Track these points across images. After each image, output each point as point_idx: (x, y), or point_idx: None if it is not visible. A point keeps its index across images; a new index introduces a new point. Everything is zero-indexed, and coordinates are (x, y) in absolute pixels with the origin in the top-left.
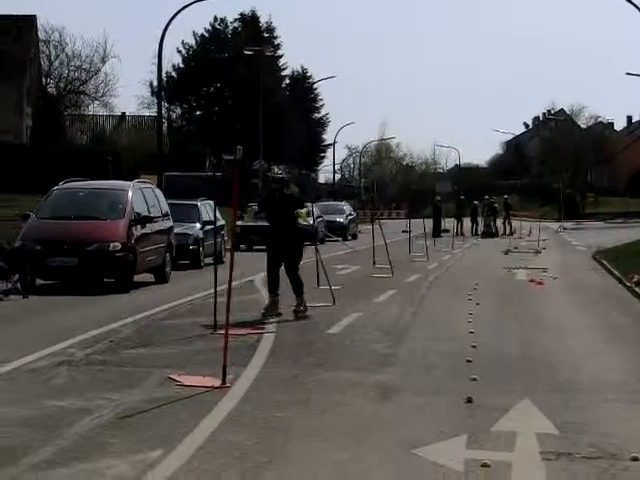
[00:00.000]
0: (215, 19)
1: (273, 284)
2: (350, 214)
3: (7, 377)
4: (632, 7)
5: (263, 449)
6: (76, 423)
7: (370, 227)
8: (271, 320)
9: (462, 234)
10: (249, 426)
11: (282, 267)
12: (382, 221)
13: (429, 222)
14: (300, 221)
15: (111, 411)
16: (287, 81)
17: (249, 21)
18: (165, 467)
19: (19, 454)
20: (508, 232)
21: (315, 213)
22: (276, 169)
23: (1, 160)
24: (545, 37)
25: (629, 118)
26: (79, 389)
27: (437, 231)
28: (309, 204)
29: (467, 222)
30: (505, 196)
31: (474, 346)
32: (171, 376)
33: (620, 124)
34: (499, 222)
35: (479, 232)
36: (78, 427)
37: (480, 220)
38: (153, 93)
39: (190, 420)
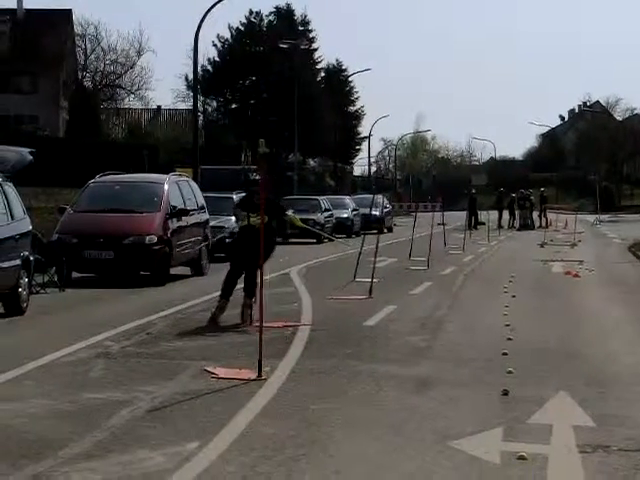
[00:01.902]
0: (250, 12)
1: (229, 288)
2: (386, 207)
3: (44, 370)
4: None
5: (299, 441)
6: (113, 415)
7: (405, 220)
8: (304, 314)
9: (501, 226)
10: (285, 418)
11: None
12: (417, 214)
13: (462, 215)
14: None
15: (148, 403)
16: (322, 74)
17: (284, 14)
18: (201, 459)
19: (57, 446)
20: (544, 225)
21: (324, 207)
22: (252, 172)
23: (38, 154)
24: (581, 30)
25: None
26: (116, 381)
27: (473, 223)
28: (290, 211)
29: (505, 215)
30: (541, 189)
31: (510, 339)
32: (207, 368)
33: None
34: (535, 215)
35: (516, 225)
36: (115, 419)
37: (517, 213)
38: (189, 87)
39: (226, 412)
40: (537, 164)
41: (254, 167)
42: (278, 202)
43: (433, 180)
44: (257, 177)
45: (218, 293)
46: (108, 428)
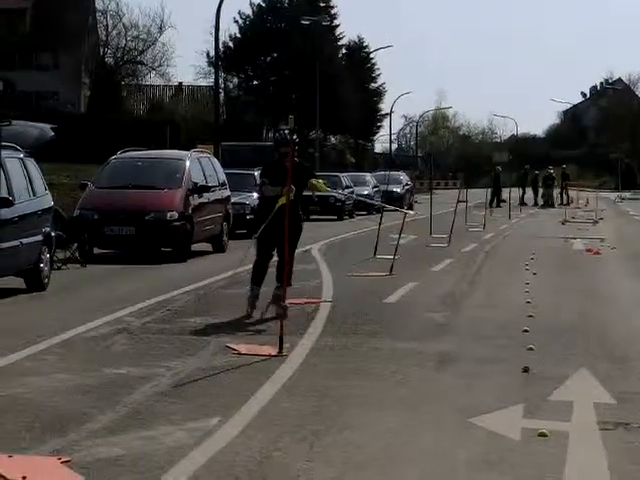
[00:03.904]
0: None
1: (263, 273)
2: (407, 184)
3: (66, 345)
4: None
5: (319, 417)
6: (134, 391)
7: (426, 197)
8: (325, 291)
9: (524, 204)
10: (306, 394)
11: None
12: (438, 191)
13: (483, 192)
14: (316, 192)
15: (169, 379)
16: (344, 51)
17: None
18: (222, 435)
19: (79, 421)
20: (565, 202)
21: (345, 183)
22: (285, 128)
23: (59, 130)
24: (605, 5)
25: None
26: (137, 357)
27: (497, 201)
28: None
29: (529, 192)
30: (563, 166)
31: (531, 316)
32: (228, 344)
33: None
34: (556, 192)
35: (539, 202)
36: (137, 395)
37: (541, 191)
38: (210, 63)
39: (247, 388)
40: (558, 141)
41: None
42: (309, 166)
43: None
44: (289, 135)
45: (238, 270)
46: (130, 403)
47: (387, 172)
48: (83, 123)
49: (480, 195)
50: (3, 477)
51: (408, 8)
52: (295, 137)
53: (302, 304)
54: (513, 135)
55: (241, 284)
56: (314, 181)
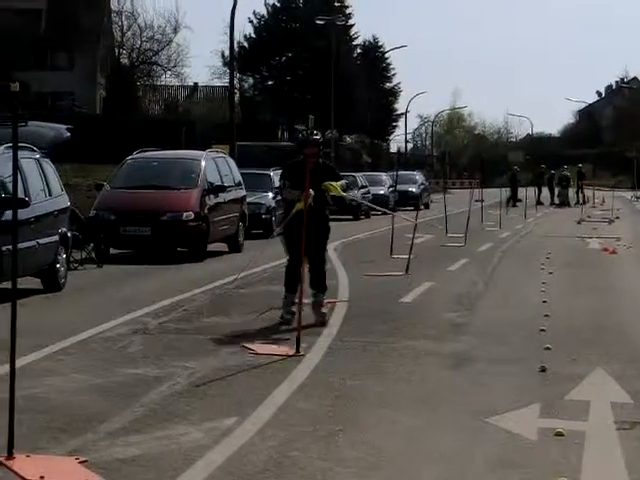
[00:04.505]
0: None
1: (296, 279)
2: (422, 184)
3: (82, 345)
4: None
5: (336, 417)
6: (151, 391)
7: (442, 197)
8: (342, 290)
9: (541, 203)
10: (322, 394)
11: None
12: (453, 191)
13: (499, 192)
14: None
15: (185, 379)
16: (358, 50)
17: None
18: (239, 435)
19: (96, 421)
20: (581, 201)
21: (360, 183)
22: (314, 130)
23: (75, 130)
24: (618, 4)
25: None
26: (154, 357)
27: (513, 200)
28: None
29: (545, 191)
30: (579, 165)
31: (547, 315)
32: (245, 344)
33: None
34: (572, 191)
35: (556, 201)
36: (153, 395)
37: (557, 190)
38: (225, 63)
39: (264, 388)
40: (574, 141)
41: (290, 144)
42: (333, 167)
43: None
44: (315, 136)
45: (255, 270)
46: (147, 403)
47: (395, 172)
48: (99, 124)
49: (496, 195)
50: (21, 477)
51: (422, 8)
52: (320, 137)
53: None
54: (528, 134)
55: (256, 285)
56: (327, 183)
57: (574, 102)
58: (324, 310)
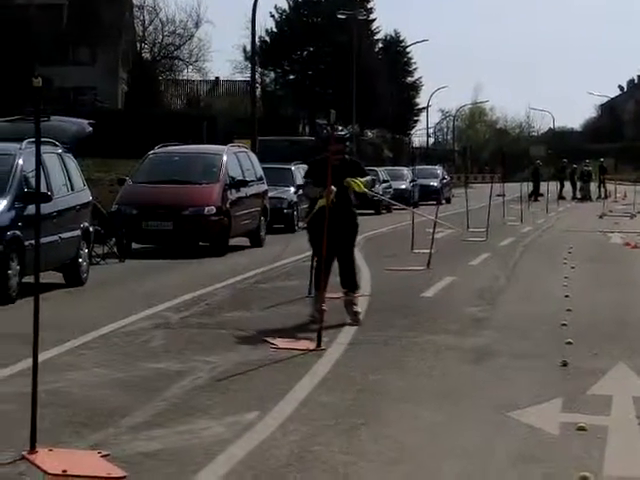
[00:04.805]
0: None
1: (325, 278)
2: (444, 178)
3: (104, 339)
4: None
5: (358, 411)
6: (173, 385)
7: (464, 191)
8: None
9: (563, 197)
10: (344, 388)
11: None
12: (475, 185)
13: (521, 186)
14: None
15: (207, 373)
16: (380, 45)
17: None
18: (261, 429)
19: (118, 415)
20: (603, 196)
21: (382, 178)
22: (339, 126)
23: (97, 125)
24: None
25: None
26: (175, 351)
27: (535, 195)
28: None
29: (567, 185)
30: (601, 159)
31: (569, 310)
32: (266, 339)
33: None
34: (594, 186)
35: (578, 196)
36: (175, 389)
37: (579, 184)
38: (246, 58)
39: (285, 382)
40: (596, 135)
41: (312, 138)
42: (359, 163)
43: (466, 151)
44: (340, 132)
45: (277, 264)
46: (168, 398)
47: (413, 167)
48: (121, 118)
49: (517, 189)
50: (44, 471)
51: (444, 2)
52: (345, 132)
53: (339, 298)
54: (550, 129)
55: (278, 279)
56: (349, 179)
57: (596, 96)
58: (357, 309)
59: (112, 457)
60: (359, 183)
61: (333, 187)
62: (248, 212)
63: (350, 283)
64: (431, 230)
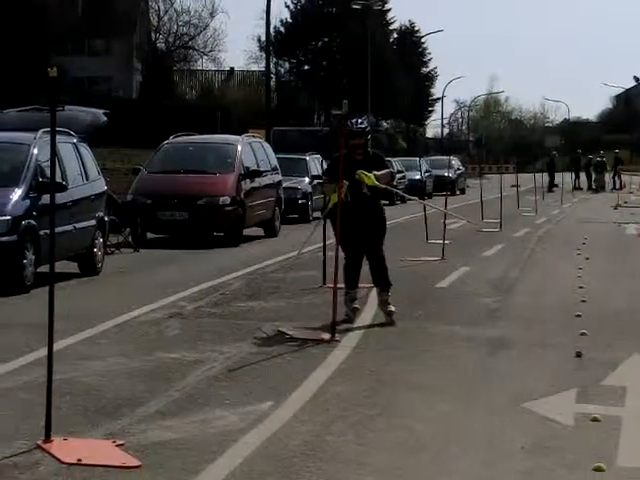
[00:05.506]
0: None
1: (355, 275)
2: (458, 169)
3: (119, 329)
4: None
5: (372, 401)
6: (187, 375)
7: (478, 182)
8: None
9: (579, 188)
10: (358, 379)
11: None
12: (489, 176)
13: (535, 177)
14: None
15: (221, 363)
16: (395, 35)
17: None
18: (275, 419)
19: (133, 404)
20: (618, 187)
21: (396, 168)
22: (359, 119)
23: (112, 115)
24: None
25: None
26: (190, 341)
27: (550, 185)
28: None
29: (582, 176)
30: (616, 150)
31: (584, 300)
32: (281, 329)
33: None
34: (608, 177)
35: (594, 186)
36: (189, 379)
37: (594, 176)
38: (261, 48)
39: (300, 372)
40: (611, 126)
41: (326, 129)
42: (382, 156)
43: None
44: (361, 125)
45: (292, 254)
46: (183, 387)
47: (423, 157)
48: (135, 108)
49: (532, 180)
50: (59, 459)
51: None
52: (365, 125)
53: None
54: (565, 119)
55: (292, 269)
56: (360, 172)
57: (611, 87)
58: (391, 308)
59: (127, 446)
60: (370, 176)
61: (345, 181)
62: (262, 202)
63: (382, 281)
64: (447, 221)
